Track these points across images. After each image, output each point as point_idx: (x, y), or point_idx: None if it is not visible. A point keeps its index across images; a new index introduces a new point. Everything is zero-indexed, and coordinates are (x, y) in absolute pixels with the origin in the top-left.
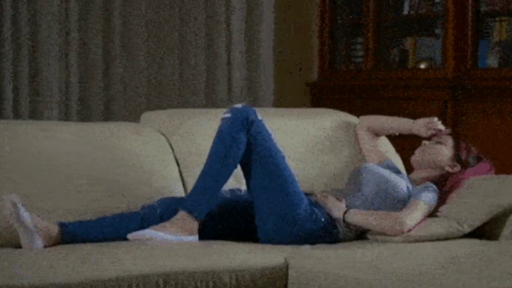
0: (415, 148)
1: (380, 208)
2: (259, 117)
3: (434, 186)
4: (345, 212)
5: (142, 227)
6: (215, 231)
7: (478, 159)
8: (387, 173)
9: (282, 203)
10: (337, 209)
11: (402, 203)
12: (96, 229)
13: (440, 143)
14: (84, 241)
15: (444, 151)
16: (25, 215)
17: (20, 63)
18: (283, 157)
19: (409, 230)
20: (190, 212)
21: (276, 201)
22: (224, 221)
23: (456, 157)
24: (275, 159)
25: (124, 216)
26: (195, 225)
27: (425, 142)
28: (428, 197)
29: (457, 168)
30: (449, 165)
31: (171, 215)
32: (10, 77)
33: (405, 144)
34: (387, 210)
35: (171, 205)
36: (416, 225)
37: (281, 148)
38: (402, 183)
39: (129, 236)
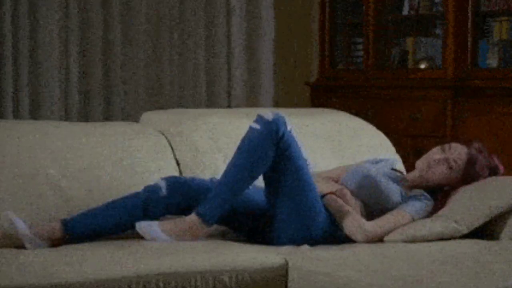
0: (415, 148)
1: (375, 213)
2: (289, 126)
3: (426, 195)
4: (327, 194)
5: (145, 214)
6: (224, 219)
7: (491, 173)
8: (382, 182)
9: (302, 218)
10: (327, 186)
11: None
12: (99, 220)
13: (451, 168)
14: (87, 234)
15: (451, 176)
16: (22, 227)
17: (20, 63)
18: (308, 166)
19: (373, 239)
20: (203, 219)
21: (296, 214)
22: (233, 219)
23: (465, 181)
24: (301, 171)
25: (126, 203)
26: (204, 230)
27: (437, 155)
28: (416, 206)
29: (457, 186)
30: (450, 186)
31: (176, 198)
32: (10, 77)
33: (405, 144)
34: (379, 214)
35: (178, 188)
36: (383, 234)
37: (306, 156)
38: (395, 193)
39: (137, 225)
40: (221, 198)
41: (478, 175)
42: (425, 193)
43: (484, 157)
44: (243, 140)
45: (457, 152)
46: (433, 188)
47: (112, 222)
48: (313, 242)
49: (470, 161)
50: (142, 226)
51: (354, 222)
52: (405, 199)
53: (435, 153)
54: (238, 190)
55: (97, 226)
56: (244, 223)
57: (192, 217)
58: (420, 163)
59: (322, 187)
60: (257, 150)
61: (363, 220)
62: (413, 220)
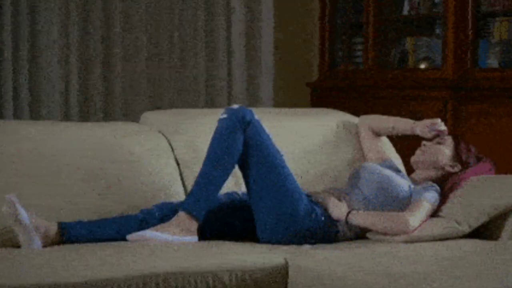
0: (415, 149)
1: (381, 207)
2: (256, 117)
3: (436, 186)
4: (348, 213)
5: (142, 228)
6: (215, 234)
7: (478, 159)
8: (388, 172)
9: (281, 201)
10: (338, 210)
11: (403, 202)
12: (96, 230)
13: (440, 143)
14: (84, 241)
15: (444, 151)
16: (24, 214)
17: (20, 63)
18: (281, 156)
19: (414, 230)
20: (189, 212)
21: (275, 199)
22: (223, 223)
23: (457, 157)
24: (273, 157)
25: (124, 218)
26: (194, 225)
27: (425, 142)
28: (431, 196)
29: (458, 168)
30: (450, 165)
31: (170, 218)
32: (10, 77)
33: (405, 144)
34: (388, 210)
35: (170, 209)
36: (420, 224)
37: (278, 148)
38: (403, 183)
39: (129, 237)
40: (201, 190)
41: (468, 149)
42: (433, 184)
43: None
44: (214, 132)
45: (440, 135)
46: (439, 180)
47: (108, 232)
48: (302, 235)
49: (455, 138)
50: (134, 235)
51: (393, 221)
52: (416, 189)
53: (422, 143)
54: (217, 180)
55: (93, 235)
56: (235, 225)
57: (179, 214)
58: (414, 157)
59: (334, 212)
60: (227, 137)
61: (399, 214)
62: (433, 208)
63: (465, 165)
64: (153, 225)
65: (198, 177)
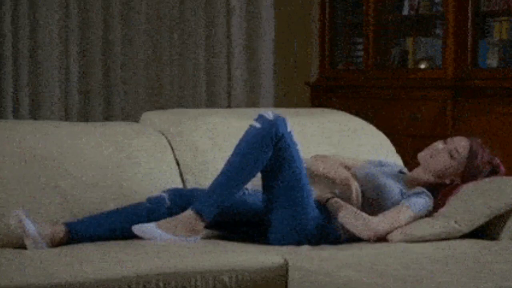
0: (416, 149)
1: (376, 209)
2: (289, 128)
3: (427, 192)
4: (328, 199)
5: (149, 220)
6: (220, 223)
7: (491, 172)
8: (383, 179)
9: (296, 213)
10: (336, 171)
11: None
12: (103, 226)
13: (453, 157)
14: (91, 239)
15: (453, 166)
16: (31, 228)
17: (20, 63)
18: (304, 168)
19: (381, 235)
20: (199, 213)
21: (291, 213)
22: (231, 222)
23: (463, 175)
24: (297, 172)
25: (130, 210)
26: (200, 226)
27: (439, 145)
28: (417, 203)
29: (457, 181)
30: (451, 179)
31: (179, 209)
32: (10, 77)
33: (405, 144)
34: (381, 212)
35: (180, 198)
36: (391, 230)
37: (302, 158)
38: (395, 189)
39: (134, 228)
40: (217, 195)
41: (479, 169)
42: (426, 190)
43: (485, 152)
44: (242, 138)
45: (459, 143)
46: (434, 186)
47: (116, 229)
48: (309, 239)
49: (472, 153)
50: (139, 227)
51: (360, 221)
52: (405, 196)
53: (437, 144)
54: (235, 188)
55: (101, 232)
56: (241, 227)
57: (189, 212)
58: (422, 154)
59: (331, 171)
60: (255, 149)
61: (369, 217)
62: (415, 215)
63: (466, 181)
64: (162, 215)
65: (217, 179)
